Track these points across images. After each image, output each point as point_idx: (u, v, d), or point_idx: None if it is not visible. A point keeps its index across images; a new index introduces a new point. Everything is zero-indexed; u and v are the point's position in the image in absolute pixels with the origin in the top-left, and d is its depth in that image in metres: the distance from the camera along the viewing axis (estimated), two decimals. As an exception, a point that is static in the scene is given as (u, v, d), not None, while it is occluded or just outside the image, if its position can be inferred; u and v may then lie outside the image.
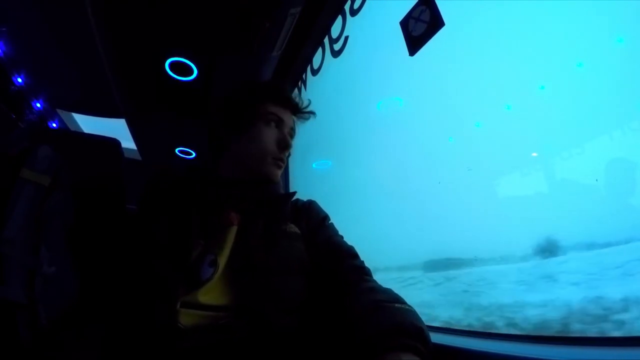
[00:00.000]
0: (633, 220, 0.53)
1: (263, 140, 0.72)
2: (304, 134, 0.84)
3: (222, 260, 0.61)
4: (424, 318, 0.53)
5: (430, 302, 0.90)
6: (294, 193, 0.79)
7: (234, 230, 0.65)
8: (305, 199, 0.83)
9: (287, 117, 0.76)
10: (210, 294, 0.59)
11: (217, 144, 0.77)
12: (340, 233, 0.78)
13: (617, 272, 0.53)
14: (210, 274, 0.59)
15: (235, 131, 0.74)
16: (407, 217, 1.02)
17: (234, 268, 0.61)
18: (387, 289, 0.60)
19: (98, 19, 1.83)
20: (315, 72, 1.77)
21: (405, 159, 1.05)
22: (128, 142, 3.18)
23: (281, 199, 0.75)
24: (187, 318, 0.56)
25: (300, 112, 0.80)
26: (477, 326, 0.75)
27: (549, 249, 0.64)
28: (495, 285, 0.76)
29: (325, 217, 0.79)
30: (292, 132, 0.78)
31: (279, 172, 0.75)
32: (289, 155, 0.80)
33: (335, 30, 1.57)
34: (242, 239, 0.65)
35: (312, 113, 0.82)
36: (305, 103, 0.81)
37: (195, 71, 2.13)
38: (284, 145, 0.73)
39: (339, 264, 0.67)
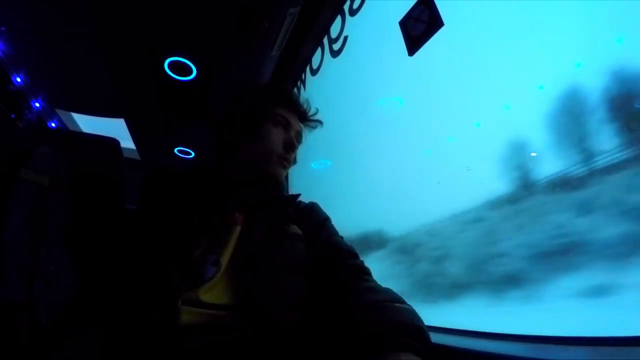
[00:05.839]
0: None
1: (270, 140, 0.73)
2: (303, 133, 0.84)
3: (225, 260, 0.61)
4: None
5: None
6: (298, 195, 0.80)
7: (237, 230, 0.66)
8: (305, 199, 0.83)
9: (295, 120, 0.78)
10: (212, 293, 0.59)
11: (225, 146, 0.77)
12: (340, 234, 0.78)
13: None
14: (213, 274, 0.59)
15: (243, 132, 0.75)
16: (407, 217, 1.02)
17: (236, 267, 0.61)
18: (386, 288, 0.61)
19: (97, 18, 1.83)
20: (314, 72, 1.77)
21: (404, 159, 1.05)
22: (127, 142, 3.17)
23: (285, 201, 0.76)
24: (188, 316, 0.56)
25: (307, 119, 0.81)
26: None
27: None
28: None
29: (327, 219, 0.80)
30: (298, 137, 0.80)
31: (284, 173, 0.76)
32: (295, 162, 0.81)
33: (334, 30, 1.56)
34: (245, 239, 0.65)
35: (320, 122, 0.84)
36: (313, 111, 0.83)
37: (195, 71, 2.13)
38: (290, 146, 0.75)
39: (339, 264, 0.67)
